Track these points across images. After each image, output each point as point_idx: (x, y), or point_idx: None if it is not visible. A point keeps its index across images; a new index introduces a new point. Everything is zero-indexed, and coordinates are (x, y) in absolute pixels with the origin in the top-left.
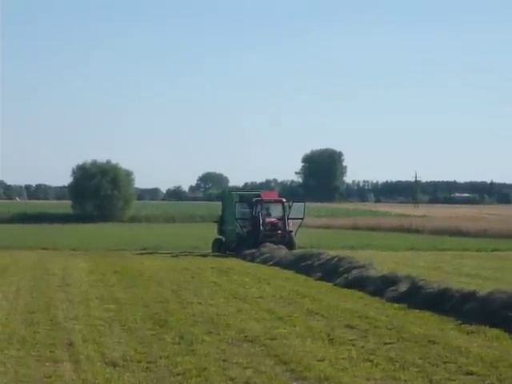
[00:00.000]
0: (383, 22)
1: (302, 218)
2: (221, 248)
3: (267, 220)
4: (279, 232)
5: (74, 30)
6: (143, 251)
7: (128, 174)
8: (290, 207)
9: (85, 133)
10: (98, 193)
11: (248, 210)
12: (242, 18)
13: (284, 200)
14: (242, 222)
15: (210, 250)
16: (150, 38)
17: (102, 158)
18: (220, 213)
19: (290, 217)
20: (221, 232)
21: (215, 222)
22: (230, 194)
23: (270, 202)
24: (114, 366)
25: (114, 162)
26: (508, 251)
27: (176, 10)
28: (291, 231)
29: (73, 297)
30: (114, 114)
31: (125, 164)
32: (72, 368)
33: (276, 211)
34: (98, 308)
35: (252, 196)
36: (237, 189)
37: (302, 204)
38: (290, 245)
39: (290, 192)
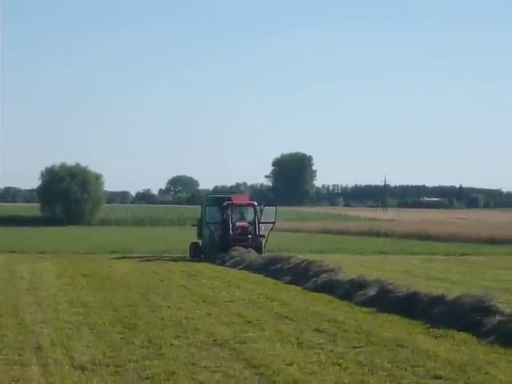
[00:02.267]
0: (356, 24)
1: (273, 222)
2: (197, 252)
3: (237, 224)
4: (249, 236)
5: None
6: (112, 255)
7: (97, 177)
8: (261, 211)
9: (54, 135)
10: (67, 196)
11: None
12: (215, 21)
13: (255, 204)
14: (214, 226)
15: (179, 254)
16: (117, 41)
17: (71, 160)
18: (199, 216)
19: (261, 221)
20: (199, 236)
21: (194, 225)
22: (208, 198)
23: (241, 205)
24: (83, 370)
25: (83, 164)
26: (476, 255)
27: (144, 11)
28: (262, 235)
29: (41, 300)
30: (84, 116)
31: (94, 167)
32: (40, 372)
33: (248, 215)
34: (66, 311)
35: (227, 200)
36: (216, 192)
37: (274, 208)
38: (257, 249)
39: (259, 195)
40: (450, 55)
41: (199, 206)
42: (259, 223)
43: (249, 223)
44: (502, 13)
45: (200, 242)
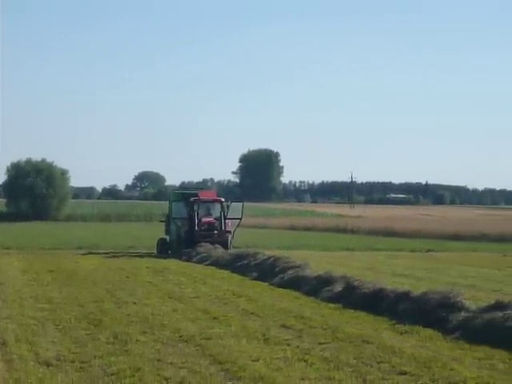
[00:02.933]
0: (317, 19)
1: (240, 218)
2: (164, 248)
3: (204, 220)
4: (215, 232)
5: (13, 31)
6: (78, 250)
7: (63, 173)
8: (228, 207)
9: (20, 131)
10: (32, 191)
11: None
12: (172, 19)
13: (222, 200)
14: (180, 222)
15: (146, 250)
16: (87, 40)
17: (36, 156)
18: (167, 212)
19: (228, 217)
20: (167, 232)
21: (162, 221)
22: (175, 193)
23: (207, 201)
24: (48, 366)
25: (49, 160)
26: (442, 252)
27: (105, 9)
28: (229, 231)
29: (6, 296)
30: (50, 111)
31: (60, 162)
32: (5, 367)
33: (214, 211)
34: (31, 307)
35: (194, 195)
36: (183, 188)
37: (241, 204)
38: (224, 245)
39: (227, 192)
40: (415, 51)
41: (166, 202)
42: (226, 219)
43: (215, 219)
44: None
45: (168, 237)
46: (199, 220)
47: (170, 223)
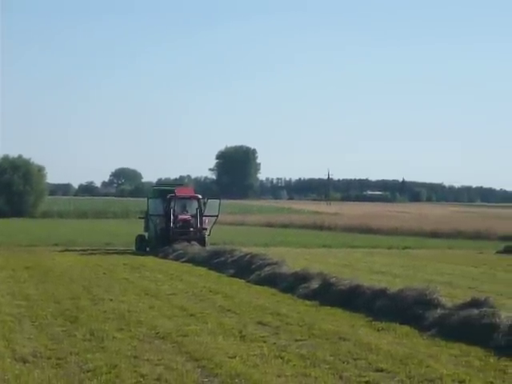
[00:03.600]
0: (296, 14)
1: (216, 216)
2: (142, 245)
3: (180, 217)
4: (191, 229)
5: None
6: (55, 247)
7: (40, 169)
8: (204, 204)
9: None
10: (9, 188)
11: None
12: (157, 15)
13: (199, 196)
14: (157, 219)
15: (123, 247)
16: (63, 35)
17: (13, 152)
18: (146, 209)
19: (205, 214)
20: (146, 229)
21: (141, 218)
22: (152, 190)
23: (184, 198)
24: (24, 363)
25: (25, 156)
26: (419, 249)
27: (87, 8)
28: (205, 228)
29: None
30: (27, 107)
31: (37, 159)
32: None
33: (191, 208)
34: (8, 304)
35: (171, 192)
36: (161, 184)
37: (217, 201)
38: (201, 242)
39: (204, 188)
40: (388, 45)
41: (143, 199)
42: (202, 216)
43: (192, 216)
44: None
45: (146, 234)
46: (175, 217)
47: (148, 220)
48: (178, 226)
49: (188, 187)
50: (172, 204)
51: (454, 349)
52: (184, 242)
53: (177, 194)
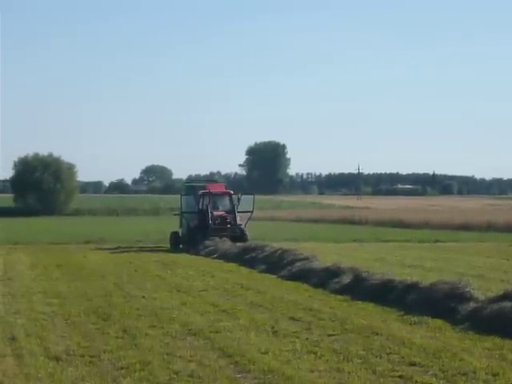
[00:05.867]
0: (327, 11)
1: (251, 211)
2: (177, 241)
3: (216, 213)
4: (229, 226)
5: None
6: (86, 245)
7: (70, 167)
8: (238, 200)
9: (27, 126)
10: (40, 186)
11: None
12: (190, 6)
13: (232, 192)
14: (190, 216)
15: (153, 244)
16: (95, 32)
17: (43, 150)
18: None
19: (239, 210)
20: (180, 226)
21: (176, 214)
22: (185, 187)
23: (217, 194)
24: (57, 361)
25: (56, 154)
26: (450, 242)
27: (115, 2)
28: (240, 225)
29: (15, 291)
30: (57, 106)
31: (67, 157)
32: (15, 362)
33: (223, 204)
34: (40, 302)
35: (204, 188)
36: (193, 181)
37: (251, 197)
38: (242, 239)
39: (233, 184)
40: (425, 44)
41: (173, 196)
42: (237, 212)
43: (226, 212)
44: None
45: (180, 231)
46: (211, 214)
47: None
48: (216, 222)
49: (219, 183)
50: (206, 200)
51: (487, 342)
52: (216, 238)
53: (210, 190)
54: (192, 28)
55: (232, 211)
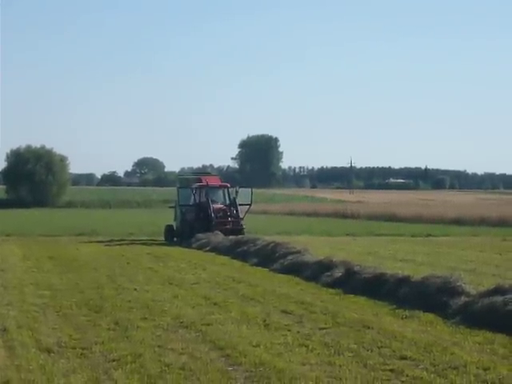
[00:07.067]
0: (317, 5)
1: (249, 204)
2: (171, 234)
3: (215, 207)
4: (229, 219)
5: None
6: (78, 237)
7: (63, 159)
8: (236, 193)
9: (19, 117)
10: (32, 178)
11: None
12: (173, 5)
13: (228, 185)
14: (186, 209)
15: (146, 237)
16: (86, 26)
17: (36, 142)
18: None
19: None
20: (175, 218)
21: (171, 207)
22: (181, 179)
23: (214, 187)
24: (49, 352)
25: (48, 146)
26: (442, 236)
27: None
28: (242, 218)
29: (7, 282)
30: (49, 98)
31: (59, 149)
32: (6, 354)
33: (219, 197)
34: (32, 294)
35: (199, 181)
36: (188, 173)
37: (249, 190)
38: (241, 232)
39: (226, 177)
40: (412, 35)
41: (166, 188)
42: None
43: (225, 205)
44: None
45: (174, 224)
46: (212, 207)
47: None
48: (218, 216)
49: (214, 176)
50: (204, 193)
51: (479, 336)
52: (224, 231)
53: (208, 184)
54: (183, 23)
55: (233, 204)
